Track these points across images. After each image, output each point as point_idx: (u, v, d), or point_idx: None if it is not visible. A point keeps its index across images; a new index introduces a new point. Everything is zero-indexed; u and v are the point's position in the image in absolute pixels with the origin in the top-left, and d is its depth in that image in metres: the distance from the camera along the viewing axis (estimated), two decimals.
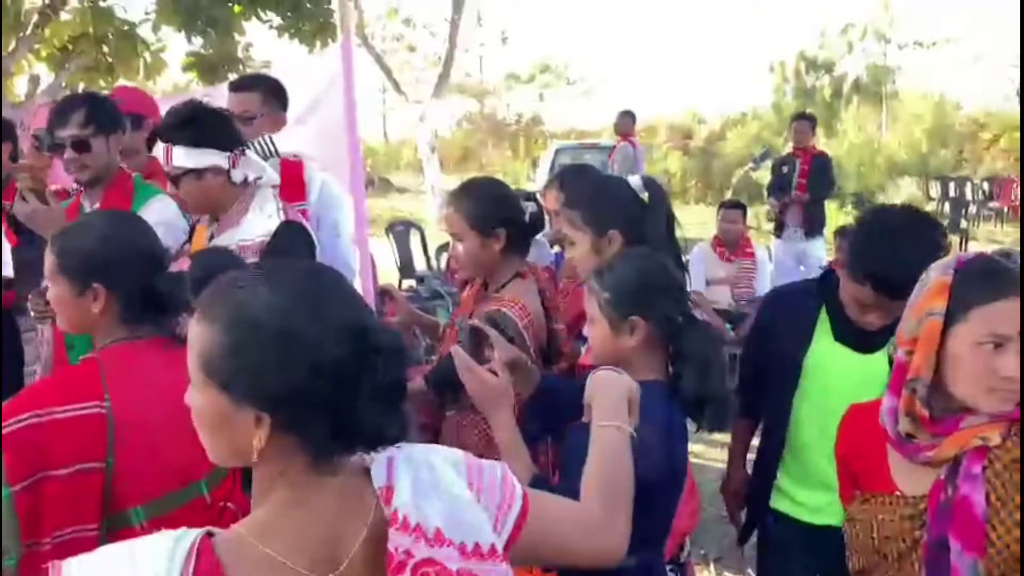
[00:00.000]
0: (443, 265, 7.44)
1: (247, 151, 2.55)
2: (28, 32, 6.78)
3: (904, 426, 1.51)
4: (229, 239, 2.46)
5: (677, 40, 62.73)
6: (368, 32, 19.64)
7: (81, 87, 7.34)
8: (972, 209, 15.59)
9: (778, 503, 2.37)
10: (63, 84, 7.03)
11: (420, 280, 8.25)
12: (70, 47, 7.12)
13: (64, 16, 6.89)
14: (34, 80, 6.85)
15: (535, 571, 1.65)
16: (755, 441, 2.57)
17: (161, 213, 2.65)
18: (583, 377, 1.55)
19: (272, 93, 3.07)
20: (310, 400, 1.01)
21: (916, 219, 2.10)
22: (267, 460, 1.05)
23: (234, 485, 1.73)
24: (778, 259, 7.08)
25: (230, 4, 7.26)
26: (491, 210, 2.31)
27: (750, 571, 3.49)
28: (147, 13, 7.24)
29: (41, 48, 7.10)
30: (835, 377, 2.20)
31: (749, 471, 2.56)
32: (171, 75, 11.61)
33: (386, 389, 1.04)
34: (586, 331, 1.87)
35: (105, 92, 6.53)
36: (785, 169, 7.30)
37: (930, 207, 17.54)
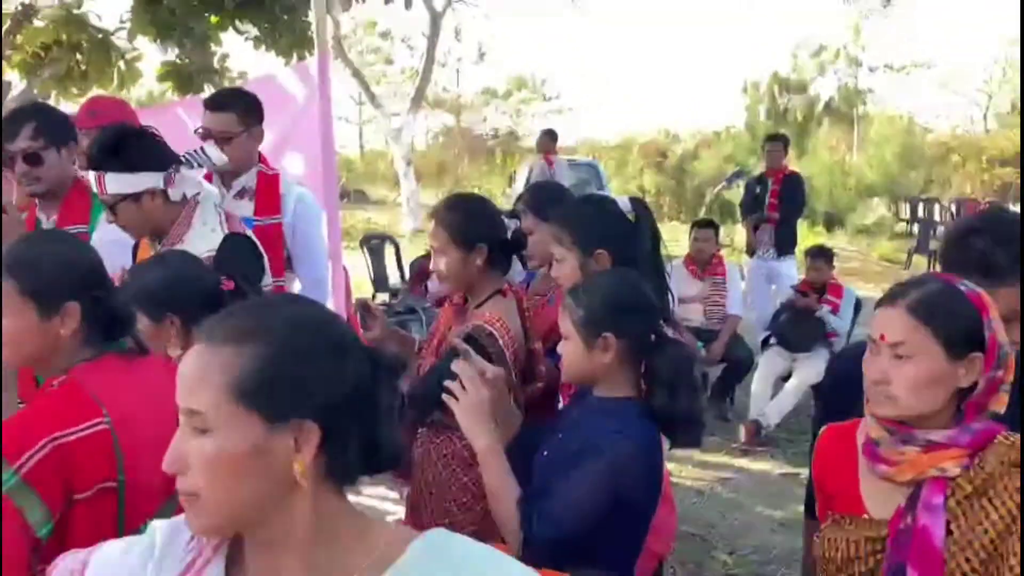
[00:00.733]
0: (411, 278, 7.42)
1: (181, 168, 2.50)
2: (0, 38, 6.71)
3: (871, 429, 1.55)
4: None
5: (653, 59, 63.35)
6: (346, 45, 19.62)
7: (54, 95, 7.27)
8: (940, 231, 15.83)
9: None
10: (35, 91, 6.95)
11: (394, 294, 8.22)
12: (43, 54, 7.04)
13: (38, 23, 6.81)
14: (6, 87, 6.76)
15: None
16: None
17: (117, 231, 2.61)
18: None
19: (249, 110, 3.06)
20: (351, 412, 0.99)
21: None
22: (306, 490, 1.00)
23: None
24: (750, 278, 7.15)
25: (207, 15, 7.21)
26: (473, 225, 2.32)
27: None
28: (122, 22, 7.18)
29: (13, 55, 7.02)
30: None
31: None
32: (146, 84, 11.55)
33: (395, 411, 1.04)
34: (561, 348, 1.88)
35: (82, 100, 6.46)
36: (758, 190, 7.37)
37: (899, 228, 17.85)
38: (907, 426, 1.51)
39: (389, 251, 8.83)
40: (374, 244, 8.64)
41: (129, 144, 2.43)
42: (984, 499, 1.44)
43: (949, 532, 1.45)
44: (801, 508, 2.10)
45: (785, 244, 7.20)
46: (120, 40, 7.37)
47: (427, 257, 2.86)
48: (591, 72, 48.58)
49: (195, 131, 3.09)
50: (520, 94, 30.45)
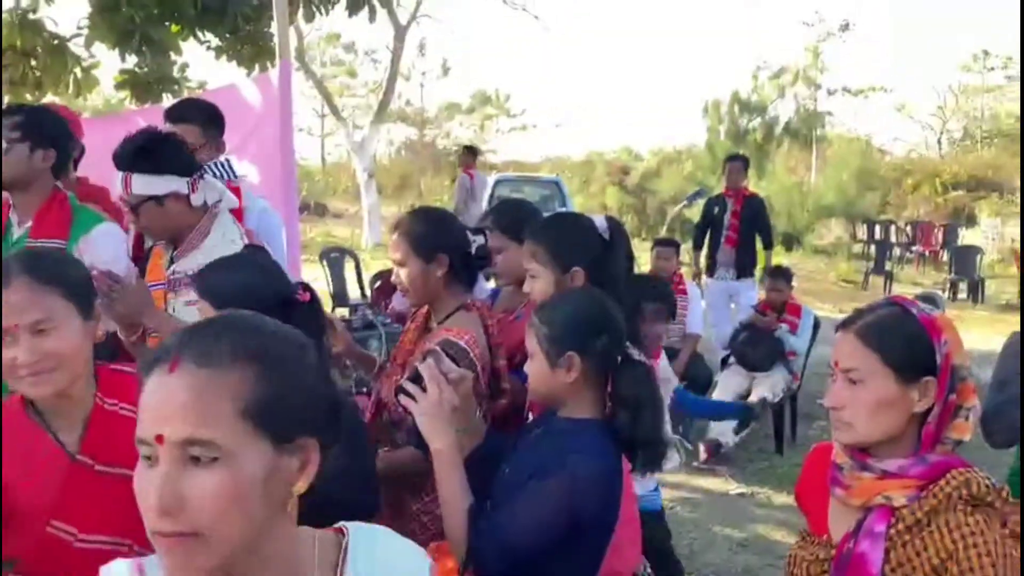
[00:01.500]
0: (371, 293, 7.37)
1: (205, 175, 2.54)
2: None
3: (837, 455, 1.55)
4: (192, 262, 2.43)
5: (617, 77, 64.01)
6: (308, 56, 19.52)
7: (6, 101, 7.10)
8: (896, 252, 16.13)
9: None
10: None
11: (354, 309, 8.13)
12: None
13: None
14: None
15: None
16: None
17: (112, 248, 2.65)
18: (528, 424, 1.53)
19: (211, 122, 3.04)
20: (335, 429, 1.01)
21: None
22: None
23: None
24: (710, 297, 7.19)
25: (168, 23, 7.11)
26: (433, 235, 2.30)
27: None
28: (79, 28, 7.04)
29: None
30: None
31: None
32: (103, 92, 11.36)
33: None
34: (527, 366, 1.86)
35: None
36: (716, 210, 7.42)
37: (856, 248, 18.15)
38: (865, 453, 1.51)
39: (349, 265, 8.76)
40: (334, 257, 8.56)
41: (156, 147, 2.45)
42: (925, 532, 1.43)
43: (887, 561, 1.44)
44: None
45: (745, 266, 7.27)
46: (76, 47, 7.23)
47: (389, 272, 2.83)
48: (556, 89, 49.00)
49: None
50: (484, 109, 30.55)
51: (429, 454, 1.76)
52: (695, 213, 10.17)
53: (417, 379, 1.76)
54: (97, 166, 2.95)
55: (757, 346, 5.79)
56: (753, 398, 5.64)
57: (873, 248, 16.10)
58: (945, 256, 15.27)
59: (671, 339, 5.88)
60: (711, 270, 7.39)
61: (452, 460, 1.73)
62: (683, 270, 6.58)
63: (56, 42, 7.14)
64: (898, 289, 12.24)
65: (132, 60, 7.38)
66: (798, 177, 21.96)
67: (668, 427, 2.90)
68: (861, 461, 1.50)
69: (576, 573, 1.79)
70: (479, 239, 2.38)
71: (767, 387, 5.59)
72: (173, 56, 7.67)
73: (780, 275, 6.11)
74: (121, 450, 1.55)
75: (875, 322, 1.51)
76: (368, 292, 8.46)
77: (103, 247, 2.69)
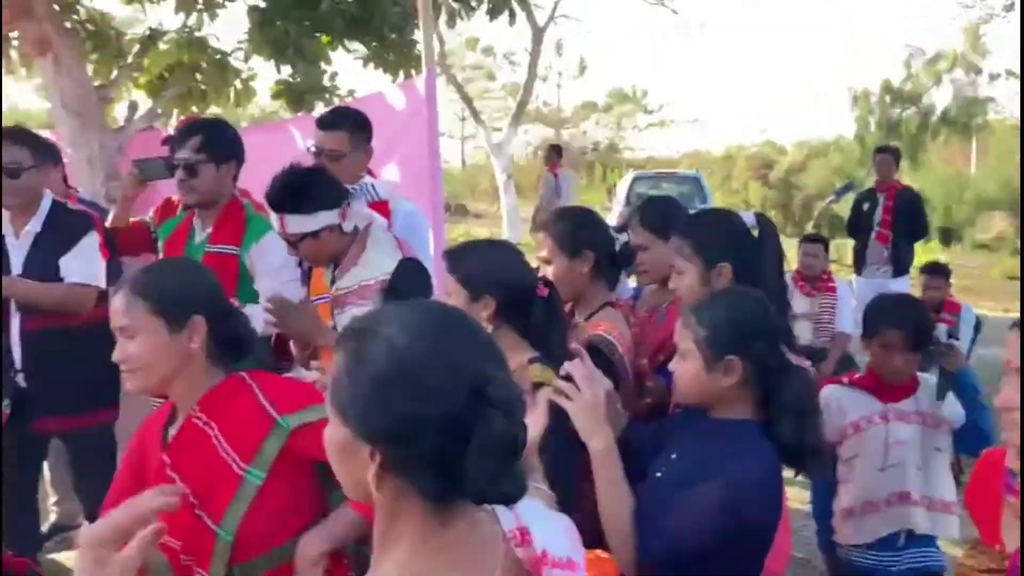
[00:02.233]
0: None
1: (352, 202, 2.62)
2: (129, 61, 7.08)
3: (1010, 459, 1.48)
4: (352, 279, 2.55)
5: (756, 68, 62.10)
6: (449, 61, 19.96)
7: (175, 113, 7.63)
8: None
9: None
10: (159, 111, 7.31)
11: None
12: (166, 75, 7.40)
13: (162, 46, 7.17)
14: (132, 107, 7.14)
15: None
16: None
17: (281, 255, 2.81)
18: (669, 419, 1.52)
19: (359, 128, 3.15)
20: (414, 445, 1.00)
21: None
22: (385, 499, 1.05)
23: None
24: (860, 295, 6.89)
25: (318, 35, 7.45)
26: (578, 232, 2.34)
27: None
28: (239, 43, 7.48)
29: (140, 77, 7.40)
30: None
31: None
32: (258, 102, 11.99)
33: (499, 445, 1.00)
34: (673, 365, 1.84)
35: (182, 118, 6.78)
36: (866, 206, 7.11)
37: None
38: None
39: None
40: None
41: (306, 186, 2.55)
42: None
43: None
44: None
45: (901, 263, 6.93)
46: (236, 61, 7.68)
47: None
48: (694, 83, 48.09)
49: (307, 149, 3.19)
50: (621, 107, 30.36)
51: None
52: (843, 208, 9.77)
53: (568, 379, 1.76)
54: (254, 171, 3.12)
55: None
56: None
57: None
58: None
59: (820, 339, 5.70)
60: (859, 268, 7.10)
61: (611, 459, 1.73)
62: (832, 267, 6.34)
63: (218, 57, 7.60)
64: None
65: (286, 71, 7.79)
66: (956, 168, 20.70)
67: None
68: None
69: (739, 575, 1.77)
70: (623, 237, 2.39)
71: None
72: (323, 66, 8.04)
73: (937, 272, 5.79)
74: (190, 464, 1.72)
75: None
76: None
77: (272, 254, 2.88)
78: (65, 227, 3.15)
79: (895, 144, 8.86)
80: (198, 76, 7.66)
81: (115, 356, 1.75)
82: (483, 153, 25.19)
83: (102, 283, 3.18)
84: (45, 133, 7.65)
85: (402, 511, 1.04)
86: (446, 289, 2.04)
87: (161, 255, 3.13)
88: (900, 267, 6.93)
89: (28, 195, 3.12)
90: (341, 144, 3.08)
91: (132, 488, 1.71)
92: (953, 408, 2.62)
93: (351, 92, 8.41)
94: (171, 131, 5.52)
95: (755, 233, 2.24)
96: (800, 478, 2.55)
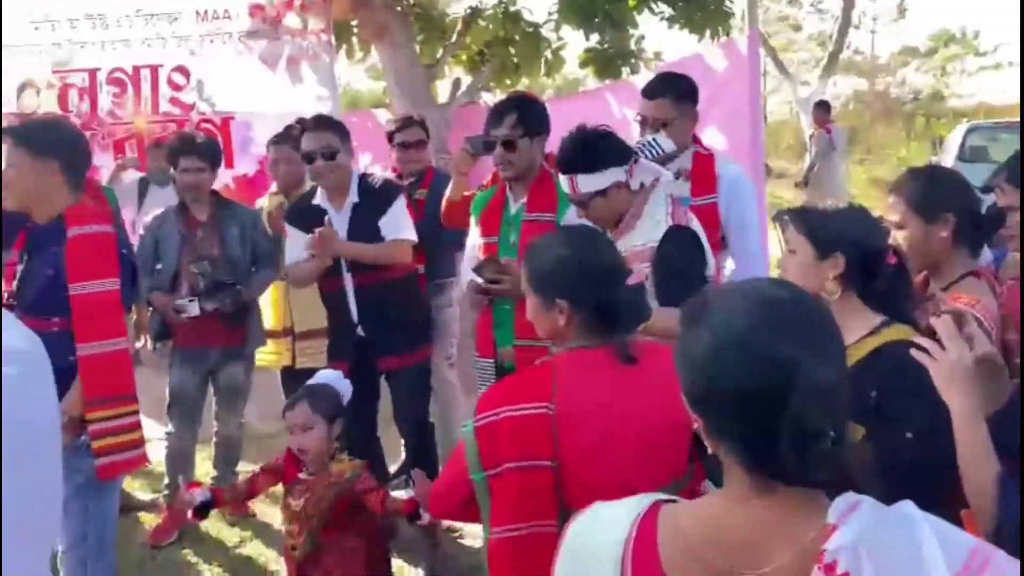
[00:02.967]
0: None
1: (639, 158, 2.66)
2: (452, 40, 7.59)
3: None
4: (623, 245, 2.56)
5: None
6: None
7: (492, 87, 8.08)
8: None
9: None
10: (479, 86, 7.76)
11: None
12: (485, 51, 7.84)
13: (480, 23, 7.60)
14: (456, 83, 7.66)
15: None
16: None
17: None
18: None
19: (683, 95, 3.13)
20: (725, 422, 1.09)
21: None
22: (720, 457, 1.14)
23: None
24: None
25: None
26: (936, 193, 2.16)
27: None
28: (550, 14, 7.72)
29: (461, 53, 7.91)
30: None
31: None
32: (564, 72, 12.31)
33: (803, 431, 1.02)
34: None
35: (514, 90, 7.11)
36: None
37: None
38: None
39: None
40: (786, 220, 8.34)
41: (593, 145, 2.65)
42: None
43: None
44: None
45: None
46: (547, 31, 7.94)
47: None
48: None
49: (634, 118, 3.22)
50: (947, 50, 27.42)
51: None
52: None
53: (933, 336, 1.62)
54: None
55: None
56: None
57: None
58: None
59: None
60: None
61: (974, 420, 1.57)
62: None
63: (531, 30, 7.91)
64: None
65: (594, 39, 7.92)
66: None
67: None
68: None
69: None
70: (990, 197, 2.17)
71: None
72: (630, 30, 8.08)
73: None
74: None
75: None
76: None
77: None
78: (377, 195, 3.64)
79: None
80: (511, 50, 8.03)
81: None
82: (786, 108, 24.02)
83: (415, 237, 3.66)
84: (377, 111, 8.44)
85: (728, 469, 1.12)
86: (788, 246, 1.98)
87: (475, 227, 3.34)
88: None
89: (343, 173, 3.60)
90: (666, 112, 3.08)
91: None
92: None
93: (657, 55, 8.40)
94: (490, 104, 5.87)
95: None
96: None
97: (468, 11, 7.57)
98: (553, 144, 3.62)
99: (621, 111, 4.15)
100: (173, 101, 6.98)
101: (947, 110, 23.95)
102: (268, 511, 4.14)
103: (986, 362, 1.63)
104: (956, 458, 1.58)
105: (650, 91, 3.17)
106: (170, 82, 6.99)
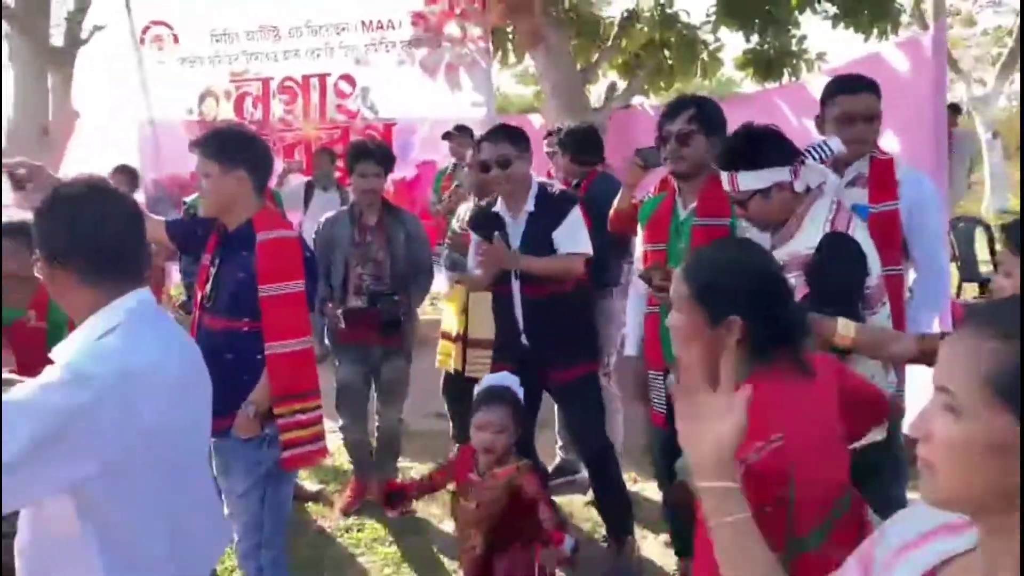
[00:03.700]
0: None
1: (806, 160, 2.56)
2: (608, 44, 7.58)
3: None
4: (784, 251, 2.50)
5: None
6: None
7: (646, 90, 8.00)
8: None
9: None
10: (633, 90, 7.71)
11: (983, 286, 7.43)
12: (640, 55, 7.78)
13: (637, 26, 7.55)
14: (612, 87, 7.63)
15: None
16: None
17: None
18: None
19: (880, 93, 2.98)
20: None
21: None
22: None
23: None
24: None
25: None
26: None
27: None
28: (708, 15, 7.57)
29: (617, 57, 7.88)
30: None
31: None
32: (719, 75, 12.04)
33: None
34: None
35: (668, 94, 6.99)
36: None
37: None
38: None
39: (979, 237, 7.96)
40: (961, 228, 7.82)
41: (757, 142, 2.57)
42: None
43: None
44: None
45: None
46: (704, 33, 7.79)
47: None
48: None
49: (825, 118, 3.06)
50: None
51: None
52: None
53: None
54: None
55: None
56: None
57: None
58: None
59: None
60: None
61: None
62: None
63: (687, 32, 7.78)
64: None
65: (753, 40, 7.71)
66: None
67: None
68: None
69: None
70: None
71: None
72: (791, 31, 7.82)
73: None
74: None
75: None
76: None
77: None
78: (553, 205, 3.57)
79: None
80: (666, 52, 7.93)
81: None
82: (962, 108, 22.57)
83: (590, 250, 3.57)
84: (531, 116, 8.52)
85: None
86: (1004, 268, 1.84)
87: (642, 233, 3.29)
88: None
89: (519, 181, 3.57)
90: (871, 106, 2.94)
91: None
92: None
93: (820, 55, 8.06)
94: (645, 108, 5.81)
95: None
96: None
97: (624, 14, 7.52)
98: None
99: (799, 119, 3.99)
100: (340, 108, 7.31)
101: None
102: (423, 508, 4.24)
103: None
104: None
105: (851, 85, 3.00)
106: (337, 90, 7.33)
